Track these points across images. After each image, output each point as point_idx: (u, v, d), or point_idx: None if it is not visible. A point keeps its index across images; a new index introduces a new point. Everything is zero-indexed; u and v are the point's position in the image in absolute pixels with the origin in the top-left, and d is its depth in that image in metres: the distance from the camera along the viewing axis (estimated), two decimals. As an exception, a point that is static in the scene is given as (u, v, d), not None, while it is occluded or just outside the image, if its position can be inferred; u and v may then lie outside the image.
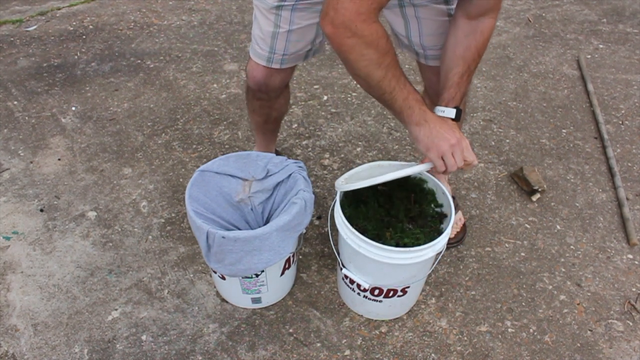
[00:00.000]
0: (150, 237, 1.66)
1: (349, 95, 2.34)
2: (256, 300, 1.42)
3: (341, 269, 1.34)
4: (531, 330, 1.42)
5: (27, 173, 1.90)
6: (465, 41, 1.16)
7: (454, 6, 1.24)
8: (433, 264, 1.33)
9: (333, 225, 1.30)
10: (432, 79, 1.39)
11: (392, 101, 1.08)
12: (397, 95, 1.07)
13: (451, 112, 1.16)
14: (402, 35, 1.35)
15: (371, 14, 0.95)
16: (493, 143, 2.08)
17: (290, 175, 1.37)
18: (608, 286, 1.54)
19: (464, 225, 1.67)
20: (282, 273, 1.38)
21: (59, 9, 3.08)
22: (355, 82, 2.44)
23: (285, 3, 1.25)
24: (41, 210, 1.74)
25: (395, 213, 1.31)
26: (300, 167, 1.38)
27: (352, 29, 0.95)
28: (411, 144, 2.05)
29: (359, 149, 2.03)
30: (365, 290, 1.30)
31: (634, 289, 1.52)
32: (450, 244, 1.60)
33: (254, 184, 1.42)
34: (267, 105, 1.57)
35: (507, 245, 1.66)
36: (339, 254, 1.35)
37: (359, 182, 1.16)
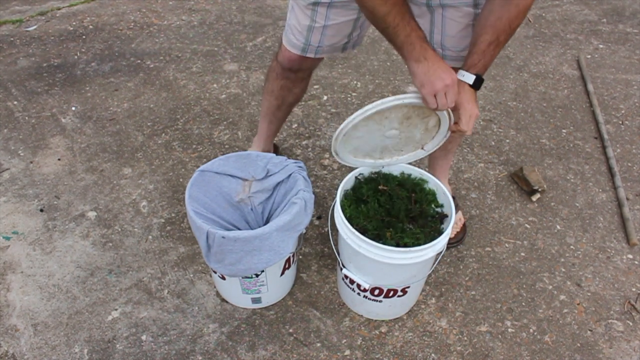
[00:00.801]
0: (150, 237, 1.66)
1: (349, 95, 2.34)
2: (256, 300, 1.42)
3: (341, 269, 1.34)
4: (531, 330, 1.42)
5: (27, 173, 1.90)
6: (498, 11, 1.14)
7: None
8: (433, 264, 1.33)
9: (333, 225, 1.30)
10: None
11: (394, 35, 1.10)
12: (399, 30, 1.09)
13: (470, 78, 1.17)
14: (425, 30, 1.35)
15: None
16: (493, 143, 2.08)
17: (290, 175, 1.37)
18: (608, 286, 1.54)
19: (464, 225, 1.67)
20: (282, 273, 1.38)
21: (59, 9, 3.08)
22: (355, 82, 2.44)
23: (322, 0, 1.29)
24: (41, 210, 1.74)
25: (396, 213, 1.31)
26: (300, 167, 1.38)
27: None
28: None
29: (359, 149, 2.03)
30: (365, 290, 1.30)
31: (634, 289, 1.52)
32: (451, 244, 1.60)
33: (254, 184, 1.42)
34: (289, 87, 1.58)
35: (507, 245, 1.66)
36: (339, 254, 1.35)
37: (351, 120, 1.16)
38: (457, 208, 1.65)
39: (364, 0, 1.07)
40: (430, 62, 1.11)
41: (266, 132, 1.76)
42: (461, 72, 1.19)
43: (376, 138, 1.27)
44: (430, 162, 1.68)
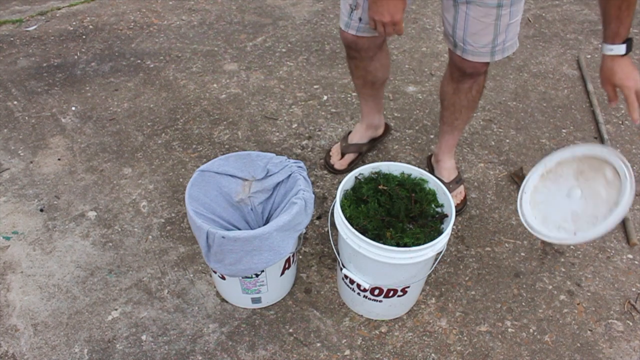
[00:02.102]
0: (150, 237, 1.66)
1: (349, 95, 2.34)
2: (256, 300, 1.42)
3: (341, 269, 1.34)
4: (531, 330, 1.42)
5: (27, 173, 1.90)
6: None
7: (505, 11, 1.29)
8: (433, 264, 1.33)
9: (333, 225, 1.30)
10: (467, 68, 1.44)
11: None
12: None
13: (620, 49, 1.15)
14: (449, 24, 1.41)
15: None
16: (493, 143, 2.08)
17: (290, 175, 1.37)
18: (608, 286, 1.54)
19: (465, 198, 1.75)
20: (282, 273, 1.38)
21: (59, 9, 3.08)
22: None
23: None
24: (41, 210, 1.74)
25: (396, 213, 1.31)
26: (300, 167, 1.38)
27: None
28: (411, 144, 2.05)
29: (359, 149, 2.03)
30: (365, 290, 1.30)
31: (634, 289, 1.52)
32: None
33: (254, 184, 1.42)
34: (362, 67, 1.63)
35: (507, 245, 1.66)
36: (339, 254, 1.35)
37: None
38: (461, 182, 1.73)
39: None
40: None
41: (365, 110, 1.85)
42: (607, 46, 1.17)
43: (560, 202, 1.24)
44: (439, 139, 1.74)
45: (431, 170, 1.82)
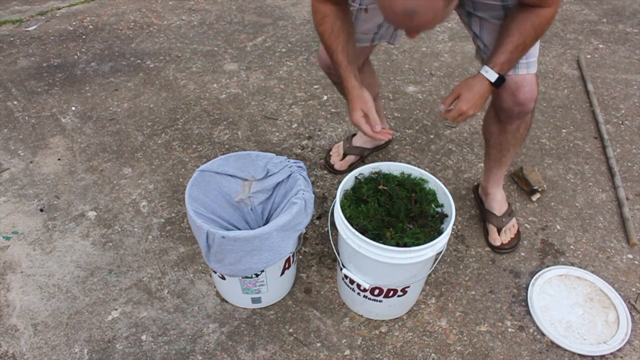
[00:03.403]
0: (150, 237, 1.66)
1: (349, 95, 2.34)
2: (256, 300, 1.42)
3: (341, 269, 1.34)
4: (531, 330, 1.42)
5: (27, 173, 1.90)
6: (521, 16, 1.17)
7: None
8: (433, 264, 1.33)
9: (333, 225, 1.30)
10: (510, 105, 1.37)
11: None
12: (331, 60, 1.32)
13: (492, 76, 1.20)
14: (473, 37, 1.40)
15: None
16: (493, 143, 2.08)
17: (290, 175, 1.37)
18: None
19: (518, 231, 1.66)
20: (282, 273, 1.38)
21: (59, 8, 3.08)
22: (355, 82, 2.43)
23: None
24: (41, 210, 1.74)
25: (396, 213, 1.31)
26: (300, 167, 1.38)
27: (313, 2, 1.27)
28: (411, 144, 2.05)
29: (359, 149, 2.03)
30: (365, 290, 1.30)
31: (634, 289, 1.52)
32: (503, 250, 1.61)
33: (253, 184, 1.42)
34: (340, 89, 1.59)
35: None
36: (339, 254, 1.35)
37: None
38: (512, 215, 1.66)
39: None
40: (348, 99, 1.31)
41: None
42: (485, 67, 1.21)
43: (564, 306, 1.45)
44: (485, 172, 1.66)
45: (480, 203, 1.74)
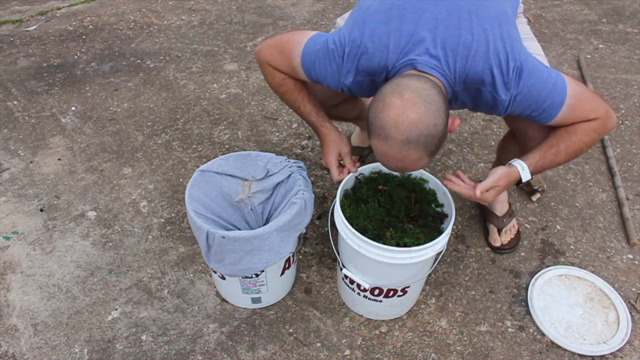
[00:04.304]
0: (150, 237, 1.66)
1: (349, 95, 2.34)
2: (256, 300, 1.42)
3: (341, 269, 1.34)
4: (531, 330, 1.42)
5: (27, 173, 1.90)
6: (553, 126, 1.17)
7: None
8: (433, 264, 1.33)
9: (333, 225, 1.30)
10: (517, 122, 1.34)
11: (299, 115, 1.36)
12: (299, 113, 1.36)
13: (526, 175, 1.18)
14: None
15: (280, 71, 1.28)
16: (493, 143, 2.08)
17: (290, 175, 1.37)
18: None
19: (518, 232, 1.66)
20: (282, 273, 1.38)
21: (59, 8, 3.08)
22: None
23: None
24: (41, 210, 1.74)
25: (396, 213, 1.31)
26: (300, 167, 1.38)
27: (264, 67, 1.33)
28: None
29: (359, 149, 2.03)
30: (365, 290, 1.30)
31: (634, 289, 1.52)
32: (504, 250, 1.61)
33: (254, 184, 1.42)
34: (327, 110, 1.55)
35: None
36: (339, 254, 1.35)
37: None
38: (512, 215, 1.65)
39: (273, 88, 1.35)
40: (323, 142, 1.34)
41: (359, 126, 1.86)
42: (522, 163, 1.19)
43: (564, 306, 1.46)
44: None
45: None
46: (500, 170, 1.20)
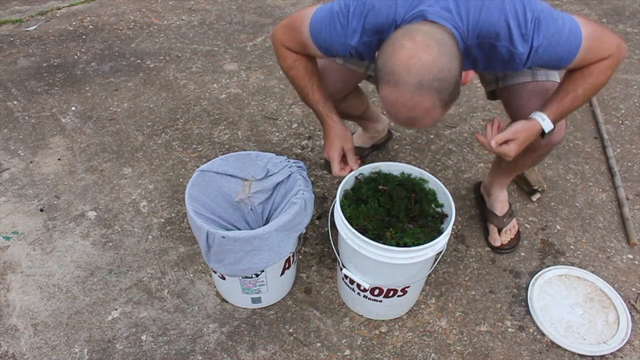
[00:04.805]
0: (150, 237, 1.66)
1: (349, 95, 2.34)
2: (256, 300, 1.42)
3: (341, 269, 1.34)
4: (531, 330, 1.42)
5: (27, 173, 1.90)
6: (577, 71, 1.16)
7: (539, 72, 1.27)
8: (433, 264, 1.33)
9: (333, 225, 1.30)
10: (515, 102, 1.33)
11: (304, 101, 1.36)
12: (304, 99, 1.34)
13: (548, 126, 1.17)
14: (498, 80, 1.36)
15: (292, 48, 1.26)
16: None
17: (290, 175, 1.37)
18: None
19: (518, 232, 1.66)
20: (282, 273, 1.38)
21: (59, 8, 3.08)
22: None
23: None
24: (41, 210, 1.74)
25: (396, 213, 1.31)
26: (300, 167, 1.38)
27: (278, 48, 1.30)
28: (411, 144, 2.05)
29: (359, 149, 2.03)
30: (365, 290, 1.30)
31: (634, 289, 1.52)
32: (504, 250, 1.61)
33: (253, 184, 1.42)
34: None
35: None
36: (339, 254, 1.35)
37: None
38: (512, 215, 1.66)
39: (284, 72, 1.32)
40: (328, 134, 1.34)
41: (361, 125, 1.86)
42: (541, 114, 1.17)
43: (564, 306, 1.46)
44: (492, 175, 1.66)
45: (481, 201, 1.74)
46: (520, 124, 1.17)
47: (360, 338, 1.39)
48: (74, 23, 2.92)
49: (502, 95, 1.38)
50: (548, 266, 1.58)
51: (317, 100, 1.32)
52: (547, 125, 1.17)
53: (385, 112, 1.02)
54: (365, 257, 1.19)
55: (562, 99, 1.16)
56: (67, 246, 1.62)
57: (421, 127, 1.13)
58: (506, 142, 1.16)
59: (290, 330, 1.40)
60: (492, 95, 1.44)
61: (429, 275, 1.50)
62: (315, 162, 1.97)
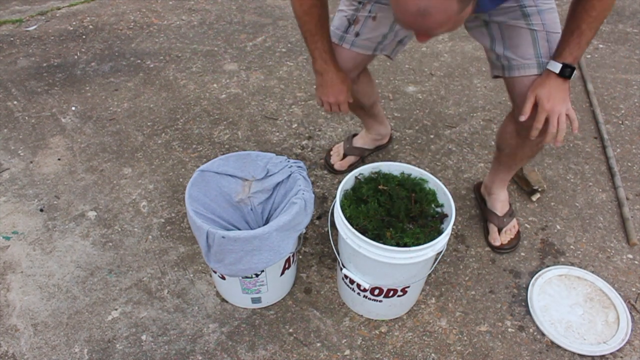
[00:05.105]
0: (150, 237, 1.66)
1: (349, 95, 2.34)
2: (256, 300, 1.42)
3: (341, 269, 1.34)
4: (531, 330, 1.42)
5: (27, 173, 1.90)
6: (577, 3, 1.19)
7: (535, 22, 1.28)
8: (433, 264, 1.33)
9: (333, 225, 1.30)
10: (521, 95, 1.31)
11: (307, 46, 1.37)
12: (309, 43, 1.36)
13: (556, 66, 1.20)
14: (488, 49, 1.37)
15: None
16: (493, 143, 2.08)
17: (290, 175, 1.37)
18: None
19: (518, 232, 1.66)
20: (282, 273, 1.38)
21: (59, 8, 3.08)
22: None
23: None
24: (41, 210, 1.74)
25: (396, 213, 1.31)
26: (300, 167, 1.38)
27: None
28: (411, 144, 2.05)
29: (359, 149, 2.03)
30: (365, 290, 1.30)
31: (633, 289, 1.52)
32: (504, 250, 1.61)
33: (253, 184, 1.42)
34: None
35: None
36: (339, 253, 1.35)
37: None
38: (513, 215, 1.66)
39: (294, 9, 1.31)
40: (325, 79, 1.40)
41: (366, 125, 1.88)
42: (551, 62, 1.21)
43: (564, 306, 1.46)
44: (492, 173, 1.66)
45: (482, 201, 1.74)
46: (533, 84, 1.22)
47: (360, 338, 1.39)
48: (74, 23, 2.92)
49: (507, 85, 1.38)
50: (548, 266, 1.58)
51: (323, 48, 1.35)
52: (552, 66, 1.20)
53: (394, 6, 0.95)
54: (365, 257, 1.19)
55: (567, 39, 1.19)
56: (67, 246, 1.63)
57: (433, 26, 0.94)
58: (536, 111, 1.21)
59: (290, 330, 1.40)
60: (497, 77, 1.43)
61: (429, 275, 1.50)
62: (315, 162, 1.97)
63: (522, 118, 1.24)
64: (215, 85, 2.41)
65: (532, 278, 1.53)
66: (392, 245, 1.20)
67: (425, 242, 1.19)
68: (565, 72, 1.19)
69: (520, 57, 1.29)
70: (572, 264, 1.59)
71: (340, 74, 1.40)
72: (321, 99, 1.45)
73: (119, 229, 1.68)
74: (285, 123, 2.16)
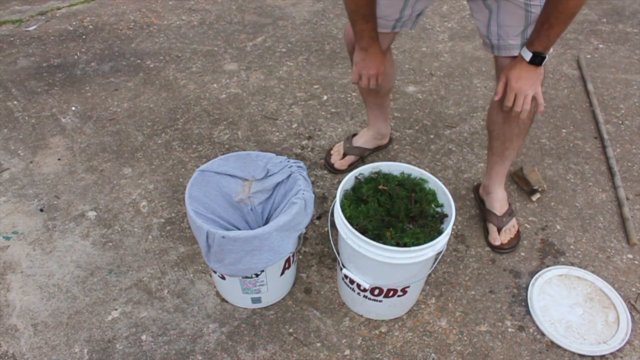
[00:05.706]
0: (150, 237, 1.66)
1: (349, 95, 2.34)
2: (256, 300, 1.42)
3: (341, 269, 1.34)
4: (531, 330, 1.42)
5: (27, 173, 1.90)
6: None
7: (534, 3, 1.29)
8: (433, 264, 1.33)
9: (333, 225, 1.30)
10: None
11: (353, 24, 1.41)
12: (359, 25, 1.40)
13: (527, 54, 1.28)
14: (483, 26, 1.40)
15: None
16: (493, 143, 2.08)
17: (290, 175, 1.37)
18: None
19: (518, 231, 1.66)
20: (282, 273, 1.38)
21: (59, 8, 3.08)
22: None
23: None
24: (41, 210, 1.74)
25: (396, 213, 1.31)
26: (300, 167, 1.38)
27: None
28: (411, 144, 2.06)
29: (359, 149, 2.03)
30: (365, 290, 1.30)
31: (633, 289, 1.52)
32: (504, 250, 1.61)
33: (253, 184, 1.42)
34: None
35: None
36: (339, 253, 1.35)
37: None
38: (512, 215, 1.66)
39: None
40: (369, 53, 1.45)
41: (370, 118, 1.89)
42: (524, 49, 1.29)
43: (564, 306, 1.46)
44: (488, 169, 1.67)
45: (481, 203, 1.74)
46: (520, 69, 1.29)
47: (360, 338, 1.39)
48: (74, 23, 2.92)
49: (495, 62, 1.47)
50: (548, 266, 1.58)
51: (373, 27, 1.41)
52: (524, 54, 1.28)
53: None
54: (365, 257, 1.19)
55: (538, 29, 1.25)
56: (67, 246, 1.63)
57: None
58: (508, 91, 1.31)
59: (290, 330, 1.40)
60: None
61: (429, 275, 1.50)
62: (315, 162, 1.97)
63: (496, 98, 1.37)
64: (215, 85, 2.41)
65: (532, 278, 1.53)
66: (392, 245, 1.20)
67: (425, 242, 1.19)
68: (536, 60, 1.27)
69: (508, 37, 1.35)
70: (572, 264, 1.59)
71: (381, 49, 1.47)
72: (360, 74, 1.49)
73: (119, 229, 1.68)
74: (285, 123, 2.16)
